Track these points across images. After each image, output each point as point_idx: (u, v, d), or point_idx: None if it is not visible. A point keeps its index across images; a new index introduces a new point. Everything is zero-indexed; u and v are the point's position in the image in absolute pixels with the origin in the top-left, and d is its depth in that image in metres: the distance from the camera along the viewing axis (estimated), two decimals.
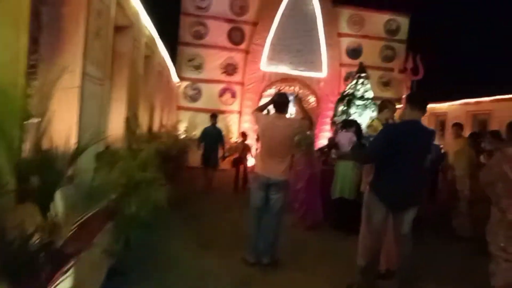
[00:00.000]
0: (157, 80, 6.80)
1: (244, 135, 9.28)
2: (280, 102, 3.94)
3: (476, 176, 4.77)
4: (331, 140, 9.14)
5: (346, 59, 13.34)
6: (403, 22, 13.74)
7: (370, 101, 9.46)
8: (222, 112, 12.75)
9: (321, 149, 7.01)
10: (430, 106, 10.80)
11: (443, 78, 10.16)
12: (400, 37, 13.68)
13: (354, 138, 5.35)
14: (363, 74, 9.48)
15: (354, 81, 9.53)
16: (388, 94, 13.54)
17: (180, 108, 12.64)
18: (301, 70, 12.87)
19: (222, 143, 8.49)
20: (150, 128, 5.78)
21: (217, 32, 12.48)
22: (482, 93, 8.57)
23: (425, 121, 11.01)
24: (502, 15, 12.30)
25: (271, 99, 4.10)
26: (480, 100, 8.83)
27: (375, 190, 3.17)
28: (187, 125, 12.55)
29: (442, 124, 10.80)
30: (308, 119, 4.01)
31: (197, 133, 12.62)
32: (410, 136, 3.03)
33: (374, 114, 9.28)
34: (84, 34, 2.32)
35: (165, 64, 8.25)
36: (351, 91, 9.41)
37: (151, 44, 5.65)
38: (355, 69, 13.20)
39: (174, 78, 11.36)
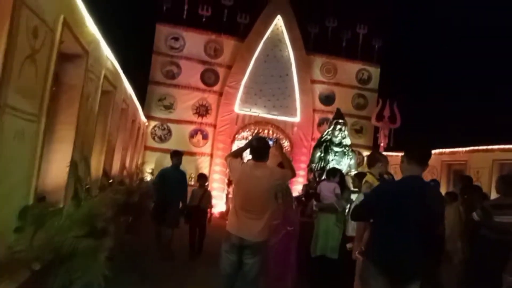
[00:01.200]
0: (120, 119, 6.12)
1: (203, 177, 7.15)
2: (259, 147, 3.39)
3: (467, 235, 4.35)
4: (307, 188, 8.75)
5: (319, 105, 13.32)
6: (374, 71, 14.06)
7: (348, 148, 9.21)
8: (193, 154, 12.15)
9: (297, 198, 6.49)
10: (391, 154, 10.79)
11: (417, 127, 10.20)
12: (371, 86, 13.92)
13: (338, 190, 4.89)
14: (340, 120, 9.28)
15: (331, 127, 9.28)
16: (360, 141, 13.53)
17: (147, 148, 11.91)
18: (275, 114, 12.66)
19: (184, 192, 6.36)
20: (107, 173, 5.06)
21: (190, 72, 12.19)
22: (457, 143, 8.53)
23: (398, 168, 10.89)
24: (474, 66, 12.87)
25: (248, 144, 3.62)
26: (455, 150, 8.77)
27: (371, 259, 2.62)
28: (154, 167, 11.82)
29: None
30: (290, 169, 3.52)
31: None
32: (408, 196, 2.56)
33: (352, 162, 9.02)
34: (3, 53, 1.75)
35: (131, 102, 7.65)
36: (328, 137, 9.14)
37: (113, 79, 5.07)
38: (328, 115, 13.29)
39: (142, 117, 10.76)
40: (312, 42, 13.41)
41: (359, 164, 11.12)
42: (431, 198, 2.61)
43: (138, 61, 11.71)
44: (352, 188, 5.59)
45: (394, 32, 14.41)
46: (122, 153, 7.17)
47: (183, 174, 6.53)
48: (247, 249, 3.18)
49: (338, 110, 10.00)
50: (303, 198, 6.09)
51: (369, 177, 3.08)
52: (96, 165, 4.66)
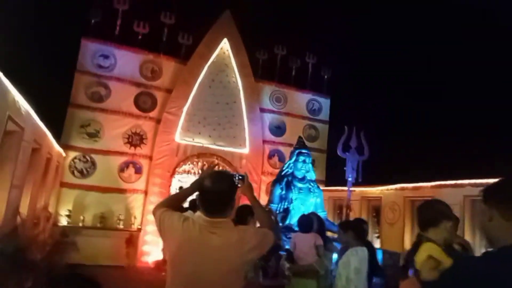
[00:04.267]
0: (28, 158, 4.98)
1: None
2: (217, 191, 1.96)
3: None
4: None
5: (269, 136, 12.24)
6: (324, 102, 13.47)
7: (313, 184, 7.99)
8: (123, 191, 10.21)
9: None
10: (360, 189, 9.86)
11: (385, 160, 9.43)
12: (322, 117, 13.25)
13: (320, 241, 3.58)
14: (304, 151, 8.07)
15: (293, 158, 8.02)
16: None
17: (64, 185, 9.75)
18: (221, 145, 11.27)
19: None
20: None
21: (122, 95, 10.47)
22: (421, 178, 7.78)
23: (357, 205, 9.88)
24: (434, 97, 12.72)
25: (197, 183, 2.10)
26: (419, 185, 8.01)
27: None
28: (72, 208, 9.67)
29: (376, 210, 9.81)
30: (269, 226, 2.15)
31: (85, 217, 9.81)
32: None
33: (319, 201, 7.77)
34: None
35: (43, 137, 6.01)
36: (290, 170, 7.84)
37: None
38: (279, 147, 12.27)
39: (57, 147, 8.74)
40: (261, 69, 12.52)
41: None
42: None
43: (57, 80, 9.80)
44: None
45: (344, 62, 14.14)
46: (28, 195, 5.44)
47: None
48: None
49: (300, 138, 8.88)
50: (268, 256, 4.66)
51: (431, 248, 1.56)
52: None
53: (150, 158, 10.61)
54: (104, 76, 10.35)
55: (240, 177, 2.39)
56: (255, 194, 8.55)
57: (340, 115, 13.19)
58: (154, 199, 10.26)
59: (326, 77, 13.44)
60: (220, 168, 11.68)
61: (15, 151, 4.58)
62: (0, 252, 4.07)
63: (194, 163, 11.42)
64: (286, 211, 7.02)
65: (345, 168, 7.95)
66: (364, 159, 7.93)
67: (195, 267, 1.86)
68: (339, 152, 8.21)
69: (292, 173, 7.69)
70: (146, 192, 10.44)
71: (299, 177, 7.60)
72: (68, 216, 9.57)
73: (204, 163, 11.36)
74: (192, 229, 1.95)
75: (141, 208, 10.32)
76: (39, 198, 7.03)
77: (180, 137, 10.86)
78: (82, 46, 10.18)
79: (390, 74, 13.81)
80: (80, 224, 9.58)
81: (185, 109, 10.92)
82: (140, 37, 10.85)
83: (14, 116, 4.18)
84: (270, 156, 12.09)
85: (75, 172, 9.87)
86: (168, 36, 11.13)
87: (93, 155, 10.05)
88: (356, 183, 8.37)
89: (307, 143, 12.68)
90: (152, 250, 10.02)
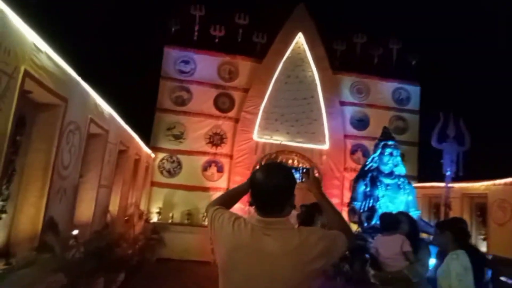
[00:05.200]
0: (115, 159, 5.55)
1: None
2: (271, 185, 1.65)
3: None
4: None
5: (351, 130, 11.56)
6: (413, 90, 12.25)
7: (403, 179, 7.18)
8: (206, 189, 10.61)
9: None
10: (461, 185, 8.60)
11: (481, 151, 8.13)
12: (411, 107, 12.06)
13: (408, 247, 3.11)
14: (390, 142, 7.31)
15: (378, 151, 7.29)
16: None
17: (154, 184, 10.50)
18: (299, 142, 11.00)
19: None
20: (53, 225, 3.57)
21: (202, 98, 10.90)
22: None
23: (457, 203, 8.65)
24: None
25: (250, 179, 1.80)
26: None
27: None
28: (162, 205, 10.36)
29: (480, 209, 8.52)
30: (343, 228, 1.77)
31: (174, 214, 10.44)
32: None
33: (411, 198, 6.91)
34: None
35: (129, 139, 6.55)
36: (374, 164, 7.11)
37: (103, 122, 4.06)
38: (362, 141, 11.51)
39: (147, 149, 9.44)
40: (339, 61, 11.91)
41: None
42: None
43: (144, 88, 10.60)
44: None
45: (433, 44, 12.68)
46: (120, 195, 6.01)
47: None
48: None
49: (385, 129, 8.01)
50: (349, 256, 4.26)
51: None
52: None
53: (231, 157, 10.84)
54: (186, 80, 10.91)
55: (304, 170, 2.08)
56: (337, 191, 8.10)
57: (432, 103, 11.83)
58: None
59: (413, 62, 12.22)
60: (300, 165, 11.46)
61: (101, 152, 4.98)
62: (92, 248, 4.41)
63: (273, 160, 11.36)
64: (372, 210, 6.38)
65: (442, 161, 6.94)
66: (465, 150, 6.82)
67: (247, 278, 1.58)
68: (434, 143, 7.22)
69: (378, 168, 6.93)
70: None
71: (386, 172, 6.80)
72: (159, 213, 10.27)
73: (283, 160, 11.23)
74: (244, 231, 1.64)
75: None
76: (130, 197, 7.63)
77: (258, 135, 10.89)
78: (165, 54, 10.88)
79: (493, 53, 11.95)
80: (169, 221, 10.20)
81: (262, 107, 10.92)
82: (216, 40, 11.18)
83: (97, 119, 4.53)
84: (352, 152, 11.42)
85: (164, 172, 10.57)
86: (243, 36, 11.27)
87: (179, 156, 10.65)
88: (456, 178, 7.30)
89: (395, 136, 11.70)
90: None
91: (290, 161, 11.40)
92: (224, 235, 1.71)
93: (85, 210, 4.72)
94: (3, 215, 3.16)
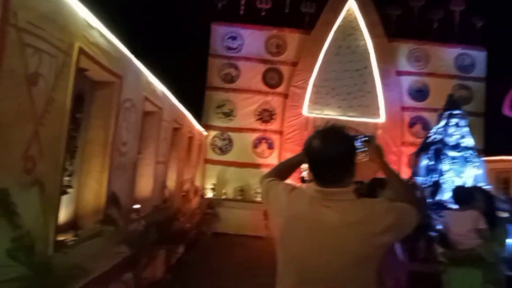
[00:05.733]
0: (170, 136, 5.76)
1: None
2: (329, 152, 1.50)
3: None
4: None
5: (409, 102, 10.84)
6: (479, 56, 11.13)
7: (471, 152, 6.60)
8: (258, 166, 10.63)
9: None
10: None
11: None
12: (476, 74, 10.99)
13: (483, 224, 2.82)
14: (456, 112, 6.70)
15: (444, 122, 6.71)
16: None
17: (208, 161, 10.72)
18: (352, 116, 10.54)
19: None
20: (115, 200, 3.71)
21: (251, 74, 10.77)
22: None
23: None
24: None
25: (305, 147, 1.62)
26: None
27: None
28: (215, 182, 10.58)
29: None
30: (411, 200, 1.58)
31: (227, 191, 10.65)
32: None
33: (480, 172, 6.34)
34: None
35: (182, 117, 6.68)
36: (439, 136, 6.54)
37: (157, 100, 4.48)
38: (421, 113, 10.78)
39: (199, 127, 9.60)
40: (395, 27, 11.08)
41: None
42: None
43: (193, 66, 10.68)
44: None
45: (499, 5, 11.34)
46: (176, 171, 6.22)
47: None
48: None
49: (450, 97, 7.30)
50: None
51: None
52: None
53: (281, 133, 10.70)
54: (234, 57, 10.82)
55: (365, 138, 1.89)
56: (394, 167, 7.60)
57: (500, 69, 10.68)
58: None
59: (478, 25, 11.04)
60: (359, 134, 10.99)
61: (156, 130, 5.09)
62: (152, 222, 4.57)
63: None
64: (436, 185, 5.91)
65: None
66: None
67: (307, 252, 1.47)
68: (506, 111, 6.46)
69: (442, 140, 6.36)
70: None
71: (451, 144, 6.23)
72: (213, 189, 10.52)
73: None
74: (301, 201, 1.53)
75: None
76: (185, 173, 7.83)
77: (308, 111, 10.61)
78: (212, 31, 10.83)
79: None
80: (223, 197, 10.41)
81: (311, 81, 10.55)
82: (263, 13, 10.87)
83: (151, 97, 4.60)
84: (411, 125, 10.74)
85: (216, 149, 10.73)
86: (290, 7, 10.85)
87: (229, 133, 10.73)
88: None
89: None
90: None
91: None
92: (280, 206, 1.60)
93: (145, 185, 4.89)
94: (70, 190, 3.33)
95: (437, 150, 6.14)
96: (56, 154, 2.61)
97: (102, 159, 3.52)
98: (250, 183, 10.59)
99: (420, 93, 10.86)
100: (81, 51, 2.78)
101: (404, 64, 10.97)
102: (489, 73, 11.08)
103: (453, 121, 6.28)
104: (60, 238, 2.85)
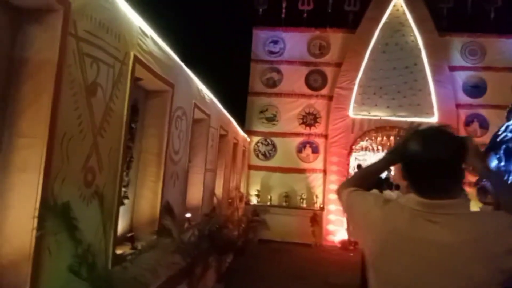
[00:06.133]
0: (217, 143, 5.73)
1: None
2: (434, 159, 1.25)
3: None
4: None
5: (464, 98, 10.09)
6: None
7: None
8: (302, 171, 10.35)
9: None
10: None
11: None
12: None
13: None
14: None
15: None
16: None
17: (251, 167, 10.60)
18: (402, 116, 9.98)
19: None
20: (170, 210, 3.64)
21: (293, 77, 10.56)
22: None
23: None
24: None
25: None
26: None
27: None
28: (260, 188, 10.44)
29: None
30: None
31: (272, 197, 10.46)
32: None
33: None
34: None
35: (228, 123, 6.62)
36: (509, 134, 5.89)
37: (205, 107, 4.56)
38: (479, 110, 10.00)
39: (243, 133, 9.53)
40: (446, 20, 10.41)
41: None
42: None
43: (236, 71, 10.67)
44: None
45: None
46: (223, 178, 6.24)
47: None
48: None
49: None
50: None
51: None
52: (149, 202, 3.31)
53: (326, 136, 10.36)
54: (276, 61, 10.66)
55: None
56: None
57: None
58: (333, 178, 10.02)
59: None
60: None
61: (205, 137, 5.02)
62: (204, 231, 4.47)
63: (372, 138, 10.56)
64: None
65: None
66: None
67: (411, 276, 1.24)
68: None
69: None
70: (325, 171, 10.27)
71: None
72: (257, 195, 10.37)
73: (383, 138, 10.37)
74: (399, 216, 1.30)
75: (321, 187, 10.23)
76: (231, 180, 7.75)
77: (354, 112, 10.19)
78: (254, 36, 10.75)
79: None
80: (268, 203, 10.23)
81: (357, 81, 10.14)
82: (305, 15, 10.66)
83: (200, 104, 4.53)
84: (467, 123, 9.99)
85: (259, 155, 10.59)
86: (333, 7, 10.54)
87: (273, 138, 10.56)
88: None
89: None
90: (336, 229, 9.84)
91: (392, 138, 10.48)
92: (372, 221, 1.38)
93: (195, 193, 4.82)
94: (126, 201, 3.30)
95: (508, 149, 5.46)
96: (115, 165, 2.55)
97: (157, 169, 3.46)
98: (295, 188, 10.34)
99: (476, 89, 10.08)
100: (136, 59, 2.73)
101: (457, 58, 10.25)
102: None
103: None
104: (119, 251, 2.80)
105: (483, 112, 9.95)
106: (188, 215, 4.46)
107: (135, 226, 3.33)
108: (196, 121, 4.74)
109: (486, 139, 9.88)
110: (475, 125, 9.97)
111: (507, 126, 5.61)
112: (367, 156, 14.81)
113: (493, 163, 5.60)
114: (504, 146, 5.45)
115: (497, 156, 5.52)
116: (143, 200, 3.39)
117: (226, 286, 5.56)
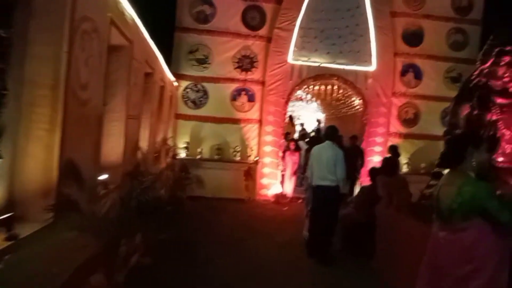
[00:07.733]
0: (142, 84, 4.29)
1: None
2: None
3: None
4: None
5: (402, 47, 9.84)
6: None
7: None
8: (236, 121, 9.42)
9: None
10: None
11: None
12: (473, 16, 10.13)
13: None
14: (508, 48, 5.46)
15: (491, 60, 5.45)
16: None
17: (179, 116, 9.33)
18: (342, 63, 9.44)
19: None
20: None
21: (228, 13, 9.19)
22: None
23: None
24: None
25: None
26: None
27: None
28: (189, 140, 9.31)
29: None
30: None
31: (203, 149, 9.44)
32: None
33: None
34: None
35: (154, 60, 5.14)
36: (483, 79, 5.35)
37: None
38: (414, 59, 9.89)
39: (170, 76, 8.10)
40: None
41: None
42: None
43: (159, 2, 8.88)
44: None
45: None
46: (149, 128, 4.86)
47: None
48: None
49: (502, 31, 5.68)
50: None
51: None
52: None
53: (263, 83, 9.44)
54: None
55: None
56: (384, 120, 6.80)
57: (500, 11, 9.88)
58: (269, 129, 9.34)
59: None
60: (340, 91, 9.98)
61: (126, 71, 3.69)
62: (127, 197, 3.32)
63: (310, 87, 9.96)
64: (493, 140, 4.97)
65: None
66: None
67: None
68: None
69: (486, 84, 5.22)
70: (260, 122, 9.48)
71: (499, 88, 5.09)
72: (186, 148, 9.26)
73: (322, 85, 9.83)
74: None
75: (256, 139, 9.48)
76: (158, 131, 6.50)
77: (294, 57, 9.35)
78: None
79: None
80: (198, 157, 9.22)
81: (298, 22, 9.21)
82: None
83: (119, 23, 3.17)
84: (403, 73, 9.85)
85: (189, 102, 9.33)
86: None
87: (204, 84, 9.31)
88: None
89: (452, 54, 9.98)
90: (270, 182, 9.33)
91: (329, 87, 9.98)
92: None
93: (114, 147, 3.57)
94: None
95: (481, 96, 5.04)
96: None
97: (51, 110, 2.18)
98: (228, 140, 9.44)
99: (414, 37, 9.85)
100: None
101: (399, 4, 9.79)
102: (485, 15, 10.20)
103: (504, 59, 4.99)
104: None
105: (419, 62, 9.88)
106: (103, 176, 3.26)
107: (15, 201, 2.08)
108: (114, 48, 3.39)
109: (419, 90, 10.04)
110: (410, 76, 9.89)
111: (481, 70, 5.17)
112: (296, 107, 14.30)
113: (465, 111, 5.21)
114: (476, 93, 5.02)
115: (470, 103, 5.12)
116: (30, 159, 2.13)
117: (154, 259, 4.51)
